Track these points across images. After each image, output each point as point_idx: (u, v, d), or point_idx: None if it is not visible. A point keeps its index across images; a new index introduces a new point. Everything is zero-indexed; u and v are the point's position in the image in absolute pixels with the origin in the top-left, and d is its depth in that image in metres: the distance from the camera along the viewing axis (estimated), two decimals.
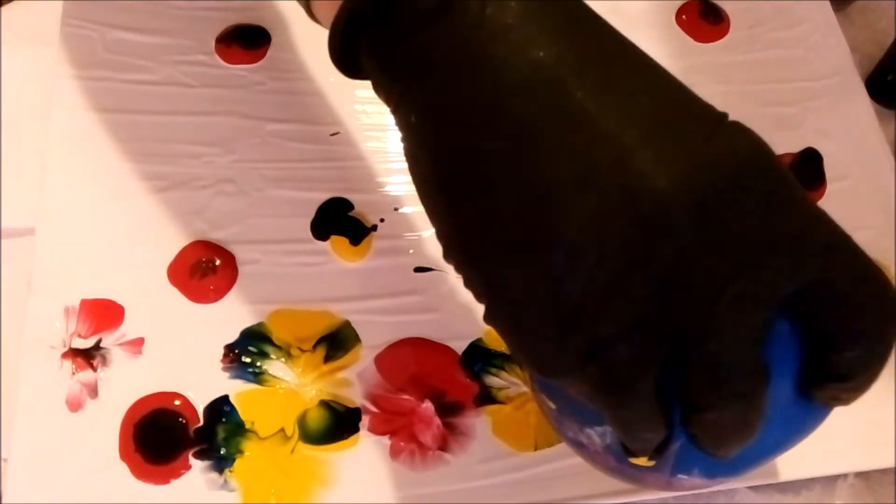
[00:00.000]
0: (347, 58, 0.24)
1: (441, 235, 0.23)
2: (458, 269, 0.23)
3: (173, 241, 0.38)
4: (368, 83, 0.24)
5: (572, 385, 0.22)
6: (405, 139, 0.23)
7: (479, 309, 0.22)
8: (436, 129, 0.22)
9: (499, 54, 0.21)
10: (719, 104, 0.22)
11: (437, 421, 0.36)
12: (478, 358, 0.37)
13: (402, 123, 0.23)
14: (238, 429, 0.35)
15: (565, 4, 0.22)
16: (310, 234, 0.39)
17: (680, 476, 0.24)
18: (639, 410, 0.21)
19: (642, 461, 0.23)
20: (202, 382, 0.35)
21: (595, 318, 0.20)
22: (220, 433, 0.35)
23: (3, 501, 0.32)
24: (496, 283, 0.22)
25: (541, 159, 0.20)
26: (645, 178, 0.19)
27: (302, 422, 0.35)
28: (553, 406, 0.26)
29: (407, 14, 0.22)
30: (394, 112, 0.24)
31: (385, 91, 0.24)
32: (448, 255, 0.23)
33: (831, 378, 0.22)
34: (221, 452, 0.34)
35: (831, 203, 0.43)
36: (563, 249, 0.20)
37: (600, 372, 0.21)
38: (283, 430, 0.35)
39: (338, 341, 0.37)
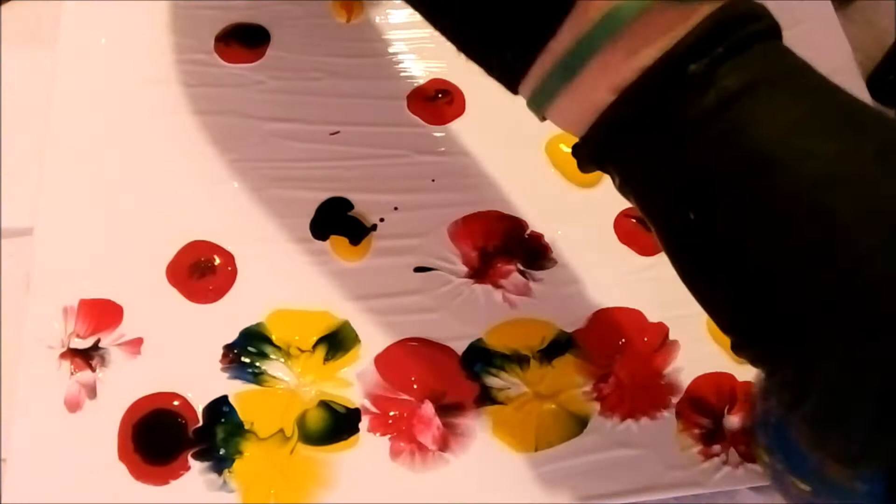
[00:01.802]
0: (596, 162, 0.24)
1: (733, 328, 0.23)
2: (760, 363, 0.23)
3: (172, 241, 0.38)
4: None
5: (871, 470, 0.23)
6: (676, 233, 0.23)
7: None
8: (726, 226, 0.22)
9: (793, 146, 0.20)
10: None
11: (437, 421, 0.36)
12: (478, 358, 0.37)
13: (672, 220, 0.23)
14: (237, 429, 0.35)
15: (838, 98, 0.22)
16: (309, 234, 0.39)
17: None
18: None
19: None
20: (201, 383, 0.35)
21: None
22: (220, 434, 0.34)
23: (3, 501, 0.32)
24: (812, 374, 0.21)
25: (859, 253, 0.20)
26: None
27: (301, 422, 0.35)
28: (808, 488, 0.27)
29: (677, 121, 0.21)
30: (653, 210, 0.24)
31: (644, 192, 0.24)
32: (744, 349, 0.23)
33: None
34: (221, 453, 0.34)
35: None
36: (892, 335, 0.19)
37: None
38: (282, 430, 0.35)
39: (337, 341, 0.37)
